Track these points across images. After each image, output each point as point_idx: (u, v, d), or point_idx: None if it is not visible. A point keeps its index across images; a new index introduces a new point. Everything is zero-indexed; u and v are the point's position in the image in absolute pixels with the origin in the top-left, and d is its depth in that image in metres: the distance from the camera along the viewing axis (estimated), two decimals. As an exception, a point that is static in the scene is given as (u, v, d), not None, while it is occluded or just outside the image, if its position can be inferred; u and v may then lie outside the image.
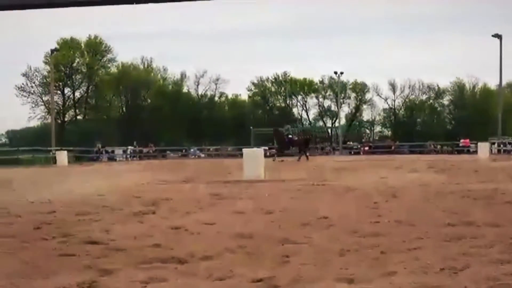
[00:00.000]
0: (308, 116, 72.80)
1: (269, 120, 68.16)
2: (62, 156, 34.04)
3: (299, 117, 72.34)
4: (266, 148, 44.51)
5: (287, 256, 5.28)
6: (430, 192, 11.20)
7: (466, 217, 7.49)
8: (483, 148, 33.76)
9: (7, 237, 6.46)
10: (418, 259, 4.99)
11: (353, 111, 72.14)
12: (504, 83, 55.01)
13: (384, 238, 6.09)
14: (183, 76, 69.99)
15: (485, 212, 8.01)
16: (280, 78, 71.63)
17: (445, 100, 70.87)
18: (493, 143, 44.42)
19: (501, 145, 45.69)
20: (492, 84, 66.05)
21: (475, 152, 36.85)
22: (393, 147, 52.62)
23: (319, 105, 72.22)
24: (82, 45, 65.16)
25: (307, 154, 32.88)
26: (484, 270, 4.55)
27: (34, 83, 62.74)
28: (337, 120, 67.36)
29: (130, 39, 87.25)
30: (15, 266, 4.97)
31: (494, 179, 14.45)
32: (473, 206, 8.86)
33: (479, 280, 4.27)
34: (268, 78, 71.62)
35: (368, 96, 71.19)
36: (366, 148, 54.35)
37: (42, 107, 62.19)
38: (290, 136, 34.02)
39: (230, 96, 72.74)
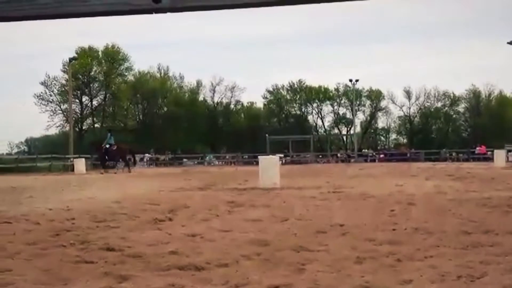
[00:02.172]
0: (323, 123, 72.71)
1: (285, 127, 68.13)
2: (80, 164, 34.23)
3: (314, 125, 72.24)
4: (282, 155, 44.50)
5: (303, 264, 5.28)
6: (447, 200, 11.14)
7: (483, 225, 7.45)
8: (500, 155, 33.40)
9: (27, 244, 6.54)
10: (435, 267, 4.98)
11: (368, 118, 71.81)
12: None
13: (400, 246, 6.08)
14: (199, 84, 70.24)
15: (502, 220, 7.96)
16: (295, 86, 71.56)
17: (461, 108, 70.34)
18: (510, 151, 44.01)
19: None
20: (508, 91, 65.64)
21: (491, 159, 36.50)
22: (408, 155, 52.36)
23: (334, 113, 72.02)
24: (100, 53, 65.59)
25: (129, 166, 31.28)
26: (502, 278, 4.53)
27: (52, 91, 63.32)
28: (352, 128, 67.16)
29: (147, 48, 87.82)
30: (35, 273, 5.04)
31: (511, 187, 14.34)
32: (490, 214, 8.81)
33: (496, 288, 4.26)
34: (283, 86, 71.64)
35: (383, 103, 70.86)
36: (382, 156, 54.15)
37: (61, 115, 62.69)
38: (107, 146, 31.45)
39: (245, 104, 72.85)
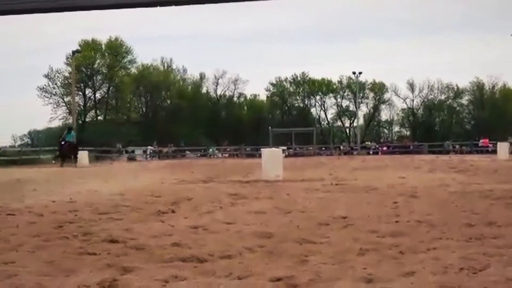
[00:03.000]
0: (326, 116, 72.65)
1: (288, 120, 68.15)
2: (83, 156, 34.28)
3: (317, 117, 72.20)
4: (285, 148, 44.48)
5: (306, 256, 5.29)
6: (450, 192, 11.13)
7: (486, 217, 7.45)
8: (503, 148, 33.29)
9: (30, 236, 6.56)
10: (437, 259, 4.98)
11: (372, 111, 71.76)
12: (524, 82, 54.42)
13: (403, 238, 6.08)
14: (202, 76, 70.25)
15: (506, 212, 7.95)
16: (299, 78, 71.52)
17: (464, 100, 70.19)
18: (513, 143, 43.90)
19: (521, 145, 45.15)
20: (512, 84, 65.45)
21: (494, 152, 36.42)
22: (411, 147, 52.32)
23: (337, 105, 72.00)
24: (103, 46, 65.59)
25: (76, 161, 31.57)
26: (504, 270, 4.52)
27: (56, 84, 63.43)
28: (356, 120, 67.11)
29: (150, 41, 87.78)
30: (38, 265, 5.05)
31: (514, 179, 14.30)
32: (493, 206, 8.80)
33: (499, 281, 4.25)
34: (287, 78, 71.62)
35: (386, 96, 70.82)
36: (384, 148, 54.10)
37: (64, 108, 62.82)
38: (62, 143, 32.29)
39: (248, 97, 72.82)
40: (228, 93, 70.77)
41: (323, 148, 56.79)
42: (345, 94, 71.00)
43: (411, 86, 68.90)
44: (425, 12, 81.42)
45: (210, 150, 54.41)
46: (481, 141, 50.29)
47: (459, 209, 8.46)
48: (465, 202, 9.28)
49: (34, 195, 11.81)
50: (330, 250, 5.55)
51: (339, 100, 71.50)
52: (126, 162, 35.76)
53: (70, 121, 55.04)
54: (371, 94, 70.99)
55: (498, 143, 35.20)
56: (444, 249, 5.45)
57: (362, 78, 65.34)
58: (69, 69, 58.52)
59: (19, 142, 73.05)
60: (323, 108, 72.20)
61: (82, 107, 64.00)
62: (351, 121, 71.32)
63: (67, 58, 60.37)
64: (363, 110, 71.06)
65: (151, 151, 51.75)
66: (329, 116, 72.75)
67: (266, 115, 71.17)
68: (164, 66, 70.41)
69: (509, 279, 4.25)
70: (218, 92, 70.65)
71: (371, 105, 71.36)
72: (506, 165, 22.35)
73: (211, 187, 13.82)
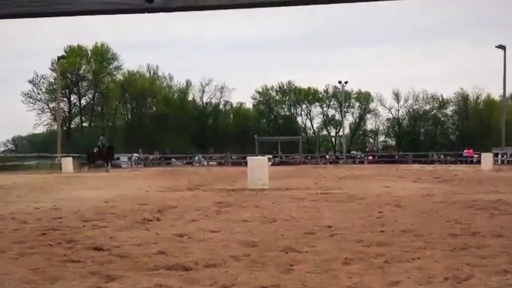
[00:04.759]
0: (312, 125, 72.84)
1: (274, 128, 68.24)
2: (68, 163, 34.09)
3: (303, 126, 72.36)
4: (271, 156, 44.49)
5: (291, 265, 5.29)
6: (434, 202, 11.20)
7: (470, 227, 7.50)
8: (487, 158, 33.58)
9: (14, 243, 6.50)
10: (422, 269, 5.01)
11: (357, 120, 72.05)
12: (507, 93, 55.05)
13: (388, 248, 6.10)
14: (188, 84, 70.14)
15: (489, 223, 8.01)
16: (285, 87, 71.65)
17: (449, 111, 70.70)
18: (497, 154, 44.27)
19: (505, 156, 45.59)
20: (496, 94, 65.97)
21: (479, 162, 36.71)
22: (396, 157, 52.55)
23: (323, 114, 72.20)
24: (89, 52, 65.31)
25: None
26: (488, 280, 4.56)
27: (40, 90, 62.94)
28: (341, 129, 67.35)
29: (136, 48, 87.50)
30: (22, 272, 5.01)
31: (498, 189, 14.43)
32: (477, 216, 8.86)
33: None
34: (273, 87, 71.73)
35: (372, 105, 71.10)
36: (370, 158, 54.29)
37: (48, 114, 62.38)
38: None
39: (234, 105, 72.81)
40: (214, 101, 70.74)
41: (309, 157, 56.85)
42: (331, 103, 71.28)
43: (397, 96, 69.35)
44: (412, 21, 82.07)
45: (196, 158, 54.24)
46: (465, 151, 50.64)
47: (444, 219, 8.51)
48: (450, 212, 9.34)
49: (18, 202, 11.72)
50: (315, 259, 5.56)
51: (325, 109, 71.80)
52: (111, 169, 35.54)
53: (55, 127, 54.70)
54: (357, 104, 71.34)
55: (482, 154, 35.50)
56: (429, 259, 5.48)
57: (348, 88, 65.74)
58: (54, 74, 58.11)
59: (2, 148, 72.39)
60: (309, 117, 72.43)
61: (67, 113, 63.61)
62: (337, 130, 71.58)
63: (52, 63, 60.01)
64: (349, 119, 71.40)
65: (136, 158, 51.50)
66: (315, 125, 72.99)
67: (252, 123, 71.18)
68: (150, 73, 70.24)
69: (492, 289, 4.29)
70: (204, 100, 70.61)
71: (357, 114, 71.70)
72: (490, 176, 22.53)
73: (197, 195, 13.78)
